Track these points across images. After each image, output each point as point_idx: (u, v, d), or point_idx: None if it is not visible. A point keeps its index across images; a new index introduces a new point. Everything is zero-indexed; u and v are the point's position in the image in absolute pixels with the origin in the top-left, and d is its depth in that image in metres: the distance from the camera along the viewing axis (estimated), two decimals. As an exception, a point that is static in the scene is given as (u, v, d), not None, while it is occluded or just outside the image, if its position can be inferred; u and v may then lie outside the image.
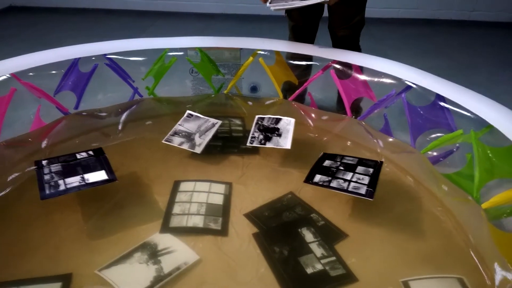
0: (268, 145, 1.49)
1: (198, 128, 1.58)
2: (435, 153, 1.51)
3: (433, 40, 3.95)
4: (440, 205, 1.34)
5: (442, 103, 1.42)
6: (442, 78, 1.52)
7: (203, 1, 4.45)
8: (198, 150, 1.47)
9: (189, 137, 1.54)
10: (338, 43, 1.95)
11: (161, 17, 4.41)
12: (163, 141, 1.49)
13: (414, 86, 1.51)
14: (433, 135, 1.49)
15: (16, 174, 1.43)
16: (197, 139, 1.53)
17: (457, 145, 1.48)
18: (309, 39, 2.00)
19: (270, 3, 1.62)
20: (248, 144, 1.52)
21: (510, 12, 4.47)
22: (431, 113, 1.46)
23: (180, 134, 1.54)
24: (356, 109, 1.83)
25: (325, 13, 1.97)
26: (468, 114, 1.33)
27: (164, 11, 4.54)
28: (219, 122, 1.62)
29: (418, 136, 1.51)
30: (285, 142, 1.49)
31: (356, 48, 1.97)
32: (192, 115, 1.65)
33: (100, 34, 3.82)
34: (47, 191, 1.20)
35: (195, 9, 4.51)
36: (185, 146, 1.50)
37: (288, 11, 1.90)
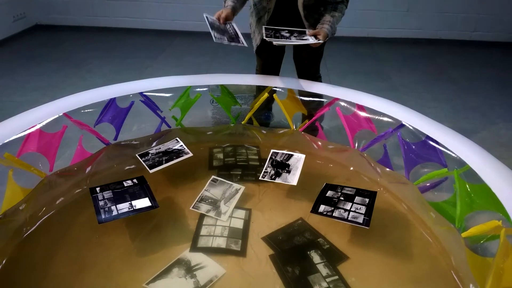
0: (278, 180, 1.73)
1: (223, 194, 1.71)
2: (428, 183, 1.73)
3: (435, 60, 4.15)
4: (429, 232, 1.57)
5: (431, 142, 1.65)
6: (431, 119, 1.74)
7: (217, 21, 4.70)
8: (224, 218, 1.60)
9: (215, 204, 1.66)
10: (304, 74, 2.22)
11: (178, 36, 4.66)
12: (191, 208, 1.63)
13: (407, 124, 1.73)
14: (425, 169, 1.71)
15: (68, 200, 1.70)
16: (223, 207, 1.65)
17: (446, 176, 1.71)
18: (275, 72, 2.25)
19: (267, 37, 1.86)
20: (260, 178, 1.76)
21: (509, 32, 4.65)
22: (423, 149, 1.68)
23: (207, 201, 1.67)
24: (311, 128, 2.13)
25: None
26: (453, 154, 1.54)
27: (181, 30, 4.80)
28: (242, 188, 1.75)
29: (412, 169, 1.73)
30: (293, 178, 1.72)
31: (317, 76, 2.25)
32: (217, 180, 1.79)
33: (121, 54, 4.06)
34: (103, 216, 1.46)
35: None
36: (212, 214, 1.61)
37: (258, 52, 2.15)
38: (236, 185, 1.77)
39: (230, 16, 1.97)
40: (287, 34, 1.91)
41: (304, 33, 1.92)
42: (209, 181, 1.78)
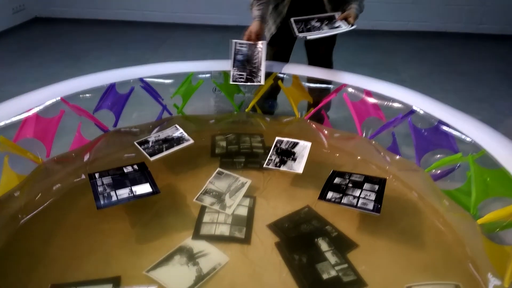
0: (282, 168, 1.66)
1: (229, 187, 1.63)
2: (439, 171, 1.66)
3: (442, 53, 4.08)
4: (441, 220, 1.51)
5: (444, 127, 1.58)
6: (444, 104, 1.68)
7: (219, 13, 4.65)
8: (229, 211, 1.51)
9: (219, 197, 1.58)
10: (316, 60, 2.15)
11: (178, 28, 4.60)
12: (194, 200, 1.56)
13: (418, 110, 1.67)
14: (437, 155, 1.65)
15: (66, 187, 1.63)
16: (228, 200, 1.56)
17: (458, 164, 1.64)
18: (286, 60, 2.18)
19: (299, 32, 1.80)
20: (265, 165, 1.70)
21: (516, 25, 4.59)
22: (435, 135, 1.62)
23: (211, 194, 1.59)
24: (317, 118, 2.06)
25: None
26: (467, 139, 1.48)
27: (181, 23, 4.74)
28: (249, 181, 1.65)
29: (423, 155, 1.67)
30: (298, 166, 1.65)
31: (330, 63, 2.18)
32: (222, 172, 1.71)
33: (122, 46, 4.01)
34: (102, 202, 1.40)
35: (211, 21, 4.71)
36: (216, 207, 1.53)
37: (271, 42, 2.06)
38: (242, 179, 1.68)
39: (260, 30, 1.88)
40: (318, 24, 1.84)
41: (333, 18, 1.84)
42: (215, 173, 1.70)
